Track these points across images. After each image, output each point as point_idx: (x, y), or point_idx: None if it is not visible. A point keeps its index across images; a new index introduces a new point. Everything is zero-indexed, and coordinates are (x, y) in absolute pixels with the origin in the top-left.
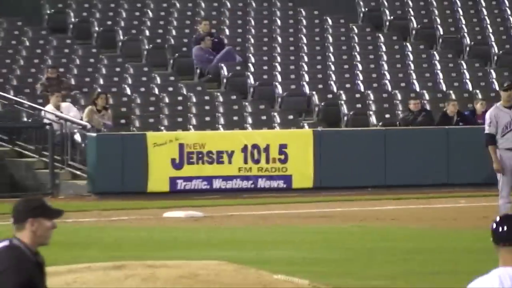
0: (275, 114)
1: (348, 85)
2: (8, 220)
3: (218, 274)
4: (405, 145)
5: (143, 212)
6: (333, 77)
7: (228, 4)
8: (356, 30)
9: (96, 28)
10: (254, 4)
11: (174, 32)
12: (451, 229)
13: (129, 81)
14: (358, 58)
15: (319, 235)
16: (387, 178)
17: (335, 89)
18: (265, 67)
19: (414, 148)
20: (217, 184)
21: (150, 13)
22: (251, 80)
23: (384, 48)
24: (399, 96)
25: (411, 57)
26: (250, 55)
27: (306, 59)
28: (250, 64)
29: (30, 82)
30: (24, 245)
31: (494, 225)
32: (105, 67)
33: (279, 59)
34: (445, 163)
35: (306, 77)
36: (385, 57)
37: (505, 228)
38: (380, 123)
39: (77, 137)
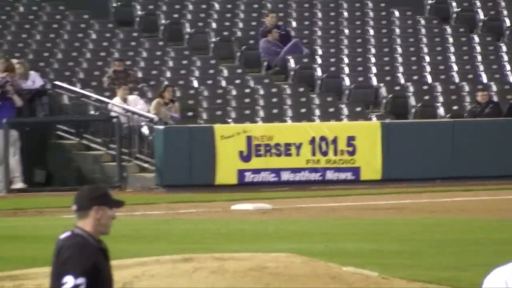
0: (343, 106)
1: (415, 77)
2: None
3: (287, 267)
4: (473, 136)
5: (211, 205)
6: (401, 69)
7: None
8: (423, 22)
9: (163, 21)
10: None
11: (241, 25)
12: None
13: (196, 74)
14: (425, 50)
15: (388, 227)
16: (455, 169)
17: (402, 81)
18: (332, 60)
19: (481, 139)
20: (285, 176)
21: (217, 6)
22: (318, 72)
23: (451, 40)
24: (466, 88)
25: (478, 49)
26: (317, 47)
27: (373, 51)
28: (317, 57)
29: (97, 75)
30: (87, 233)
31: None
32: (172, 60)
33: (346, 51)
34: None
35: (374, 69)
36: (452, 49)
37: None
38: (448, 115)
39: (145, 130)
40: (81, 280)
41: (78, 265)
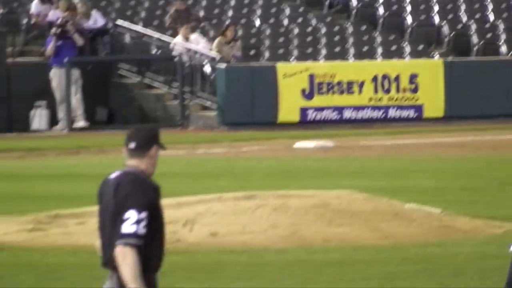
0: (405, 44)
1: (477, 15)
2: None
3: (349, 203)
4: None
5: (274, 143)
6: (463, 7)
7: None
8: None
9: None
10: None
11: None
12: None
13: (258, 12)
14: None
15: (451, 164)
16: None
17: (464, 19)
18: None
19: None
20: (347, 114)
21: None
22: (380, 10)
23: None
24: None
25: None
26: None
27: None
28: None
29: (159, 14)
30: (141, 172)
31: None
32: None
33: None
34: None
35: (436, 7)
36: None
37: None
38: (510, 53)
39: (207, 69)
40: (144, 214)
41: (140, 200)
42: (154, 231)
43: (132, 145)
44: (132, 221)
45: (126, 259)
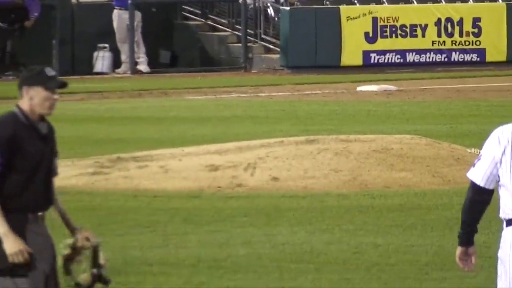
0: None
1: None
2: (202, 94)
3: (411, 148)
4: None
5: (336, 86)
6: None
7: None
8: None
9: None
10: None
11: None
12: None
13: None
14: None
15: None
16: None
17: None
18: None
19: None
20: (410, 57)
21: None
22: None
23: None
24: None
25: None
26: None
27: None
28: None
29: None
30: (21, 111)
31: None
32: None
33: None
34: None
35: None
36: None
37: None
38: None
39: (270, 11)
40: None
41: None
42: (18, 168)
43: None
44: None
45: None
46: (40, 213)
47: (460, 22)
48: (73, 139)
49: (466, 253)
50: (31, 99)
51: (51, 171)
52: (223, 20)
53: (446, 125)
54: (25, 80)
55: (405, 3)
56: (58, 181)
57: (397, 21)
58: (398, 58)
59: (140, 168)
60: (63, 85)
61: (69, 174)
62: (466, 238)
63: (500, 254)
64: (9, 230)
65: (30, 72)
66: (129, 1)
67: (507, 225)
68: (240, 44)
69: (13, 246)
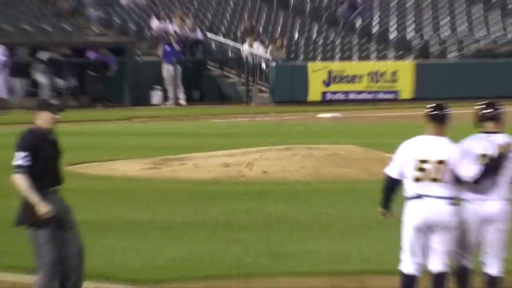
0: (390, 51)
1: (435, 31)
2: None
3: (351, 154)
4: None
5: (304, 114)
6: (427, 27)
7: None
8: None
9: None
10: None
11: None
12: None
13: (296, 29)
14: None
15: (415, 129)
16: None
17: (426, 36)
18: None
19: None
20: (352, 96)
21: None
22: (374, 29)
23: None
24: None
25: None
26: None
27: None
28: None
29: (233, 29)
30: (37, 126)
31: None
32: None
33: None
34: None
35: (410, 27)
36: None
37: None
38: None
39: (263, 65)
40: (24, 153)
41: (21, 143)
42: (39, 161)
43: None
44: (17, 158)
45: (16, 182)
46: (55, 187)
47: (384, 73)
48: (139, 146)
49: (384, 213)
50: (42, 119)
51: (59, 162)
52: (233, 71)
53: (374, 139)
54: (37, 106)
55: (349, 61)
56: (128, 173)
57: (344, 73)
58: (344, 96)
59: (180, 165)
60: (62, 109)
61: (135, 168)
62: (383, 204)
63: (404, 218)
64: (39, 198)
65: (40, 101)
66: (173, 59)
67: (408, 200)
68: (243, 87)
69: (44, 208)
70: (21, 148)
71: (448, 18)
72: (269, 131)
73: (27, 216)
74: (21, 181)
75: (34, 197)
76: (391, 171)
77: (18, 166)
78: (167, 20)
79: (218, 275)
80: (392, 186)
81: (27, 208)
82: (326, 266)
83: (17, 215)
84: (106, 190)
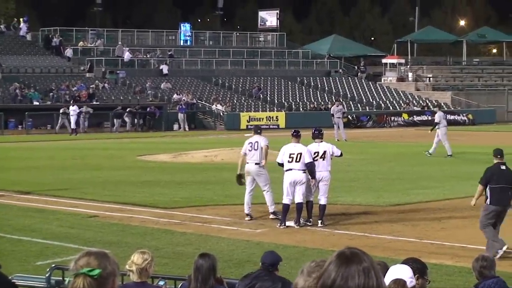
0: None
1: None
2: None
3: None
4: None
5: (239, 133)
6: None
7: None
8: None
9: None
10: None
11: None
12: None
13: None
14: None
15: None
16: None
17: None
18: None
19: None
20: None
21: None
22: None
23: None
24: None
25: None
26: None
27: None
28: None
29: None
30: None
31: None
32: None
33: None
34: None
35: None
36: None
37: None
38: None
39: (221, 113)
40: None
41: None
42: None
43: None
44: None
45: None
46: None
47: None
48: (171, 146)
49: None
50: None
51: None
52: (210, 118)
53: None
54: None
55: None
56: (160, 159)
57: (258, 116)
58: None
59: (194, 155)
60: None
61: (163, 158)
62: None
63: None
64: None
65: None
66: (184, 110)
67: (285, 171)
68: (213, 123)
69: None
70: None
71: None
72: (223, 142)
73: None
74: None
75: None
76: (278, 159)
77: None
78: (181, 94)
79: (204, 205)
80: (282, 165)
81: None
82: None
83: None
84: (156, 167)
